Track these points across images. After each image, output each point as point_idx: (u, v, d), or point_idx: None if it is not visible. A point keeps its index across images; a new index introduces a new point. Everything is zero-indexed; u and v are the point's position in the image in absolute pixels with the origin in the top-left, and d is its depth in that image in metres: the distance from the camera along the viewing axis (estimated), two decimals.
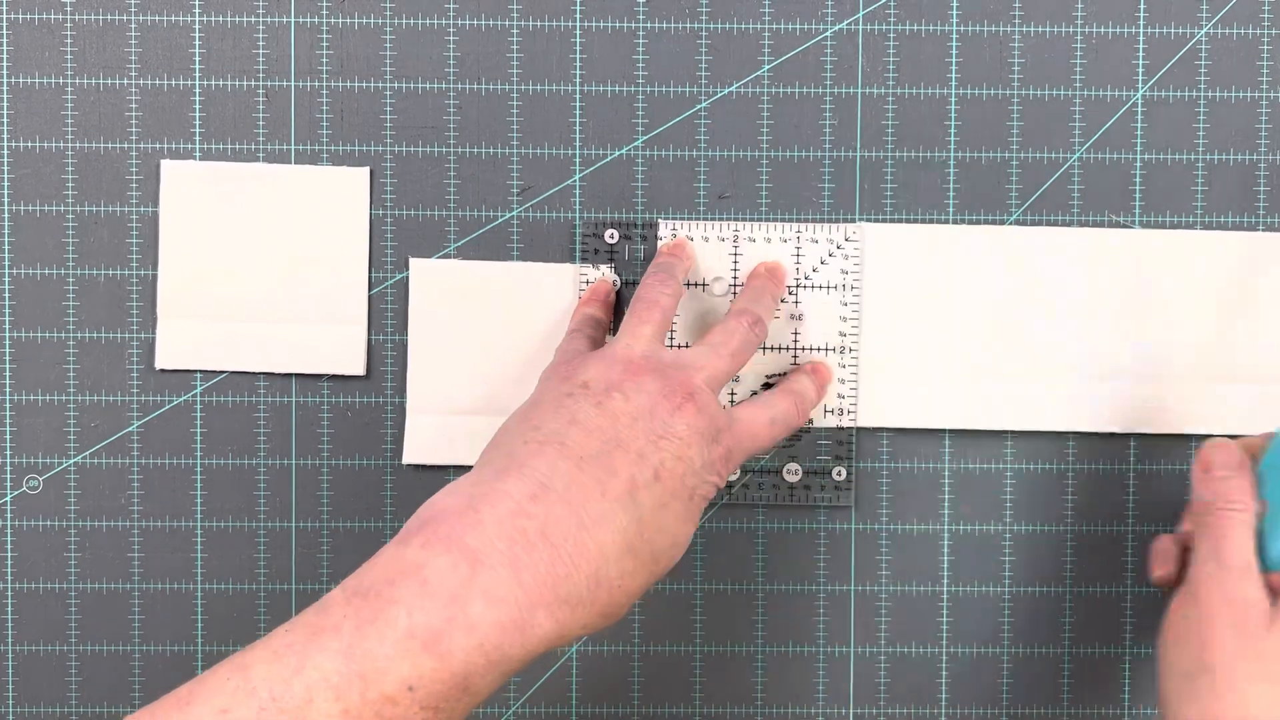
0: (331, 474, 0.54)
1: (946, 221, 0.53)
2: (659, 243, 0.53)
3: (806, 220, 0.53)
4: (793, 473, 0.53)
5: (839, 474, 0.53)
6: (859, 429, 0.53)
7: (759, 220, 0.53)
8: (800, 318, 0.53)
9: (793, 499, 0.54)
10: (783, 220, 0.53)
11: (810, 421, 0.53)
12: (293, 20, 0.53)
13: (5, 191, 0.53)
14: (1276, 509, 0.46)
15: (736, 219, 0.53)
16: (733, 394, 0.53)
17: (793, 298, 0.53)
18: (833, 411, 0.53)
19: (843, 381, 0.53)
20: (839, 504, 0.53)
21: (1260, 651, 0.42)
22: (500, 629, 0.37)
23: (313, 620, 0.37)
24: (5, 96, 0.53)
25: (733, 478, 0.53)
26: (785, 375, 0.52)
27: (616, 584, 0.40)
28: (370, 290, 0.54)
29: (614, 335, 0.53)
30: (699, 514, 0.43)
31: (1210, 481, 0.46)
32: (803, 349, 0.53)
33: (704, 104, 0.53)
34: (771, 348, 0.53)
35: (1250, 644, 0.42)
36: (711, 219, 0.53)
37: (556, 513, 0.39)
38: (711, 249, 0.53)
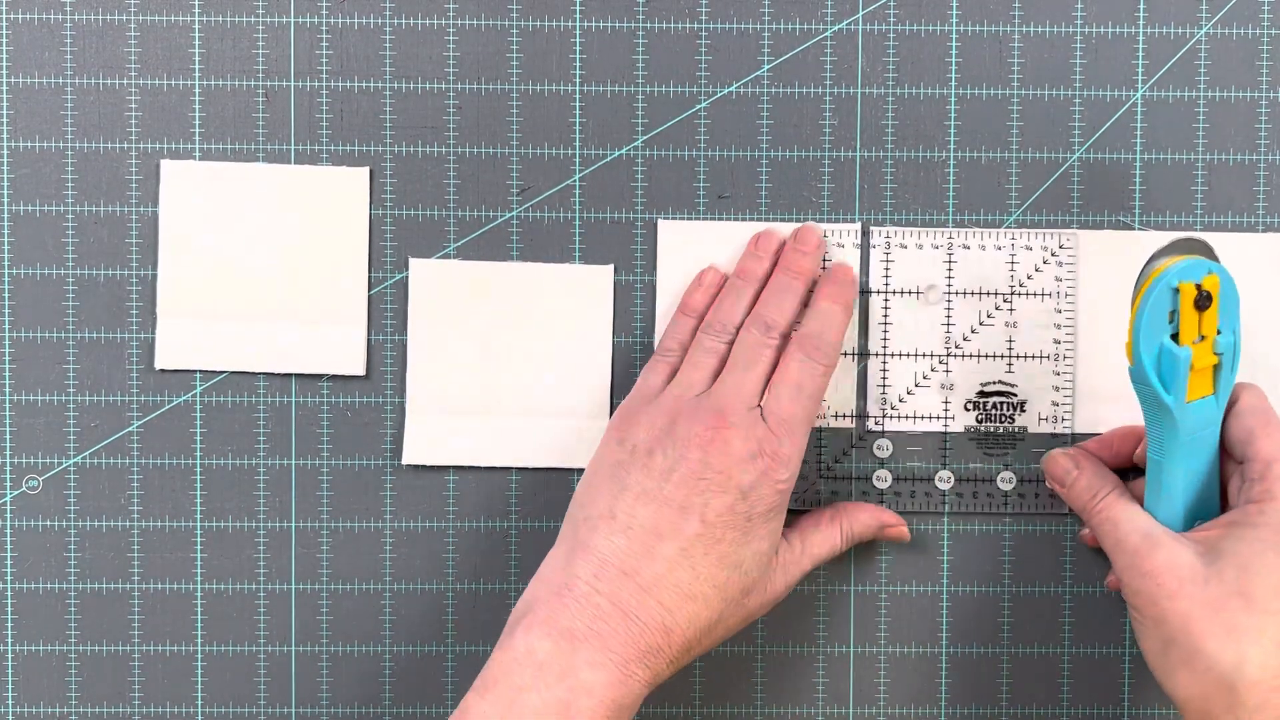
0: (331, 474, 0.54)
1: (946, 223, 0.53)
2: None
3: (1016, 226, 0.53)
4: (1006, 480, 0.53)
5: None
6: (1074, 434, 0.53)
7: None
8: (1015, 325, 0.53)
9: (1006, 507, 0.54)
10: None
11: (1023, 429, 0.53)
12: (293, 20, 0.53)
13: (5, 191, 0.53)
14: (1154, 473, 0.47)
15: (736, 219, 0.53)
16: (947, 404, 0.53)
17: (1008, 305, 0.53)
18: (1046, 419, 0.53)
19: (1058, 389, 0.53)
20: (1053, 510, 0.54)
21: (1206, 601, 0.43)
22: (608, 686, 0.44)
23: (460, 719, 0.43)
24: (5, 96, 0.53)
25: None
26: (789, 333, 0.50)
27: (686, 628, 0.45)
28: (370, 290, 0.54)
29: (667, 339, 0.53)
30: (771, 528, 0.46)
31: (1068, 491, 0.50)
32: (1016, 356, 0.53)
33: (704, 104, 0.53)
34: (986, 356, 0.53)
35: (1190, 604, 0.43)
36: (712, 219, 0.53)
37: (618, 584, 0.45)
38: (926, 255, 0.53)
